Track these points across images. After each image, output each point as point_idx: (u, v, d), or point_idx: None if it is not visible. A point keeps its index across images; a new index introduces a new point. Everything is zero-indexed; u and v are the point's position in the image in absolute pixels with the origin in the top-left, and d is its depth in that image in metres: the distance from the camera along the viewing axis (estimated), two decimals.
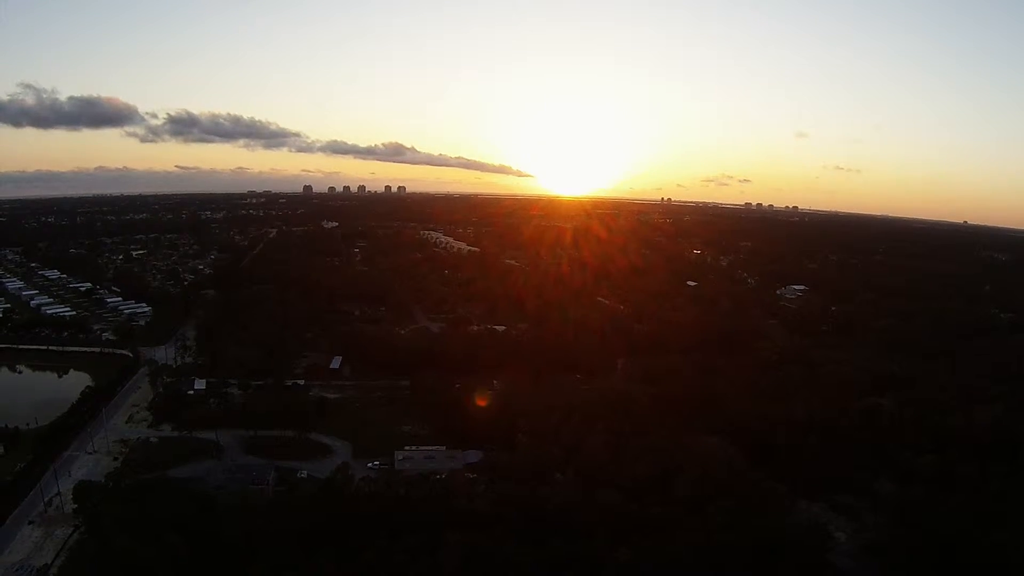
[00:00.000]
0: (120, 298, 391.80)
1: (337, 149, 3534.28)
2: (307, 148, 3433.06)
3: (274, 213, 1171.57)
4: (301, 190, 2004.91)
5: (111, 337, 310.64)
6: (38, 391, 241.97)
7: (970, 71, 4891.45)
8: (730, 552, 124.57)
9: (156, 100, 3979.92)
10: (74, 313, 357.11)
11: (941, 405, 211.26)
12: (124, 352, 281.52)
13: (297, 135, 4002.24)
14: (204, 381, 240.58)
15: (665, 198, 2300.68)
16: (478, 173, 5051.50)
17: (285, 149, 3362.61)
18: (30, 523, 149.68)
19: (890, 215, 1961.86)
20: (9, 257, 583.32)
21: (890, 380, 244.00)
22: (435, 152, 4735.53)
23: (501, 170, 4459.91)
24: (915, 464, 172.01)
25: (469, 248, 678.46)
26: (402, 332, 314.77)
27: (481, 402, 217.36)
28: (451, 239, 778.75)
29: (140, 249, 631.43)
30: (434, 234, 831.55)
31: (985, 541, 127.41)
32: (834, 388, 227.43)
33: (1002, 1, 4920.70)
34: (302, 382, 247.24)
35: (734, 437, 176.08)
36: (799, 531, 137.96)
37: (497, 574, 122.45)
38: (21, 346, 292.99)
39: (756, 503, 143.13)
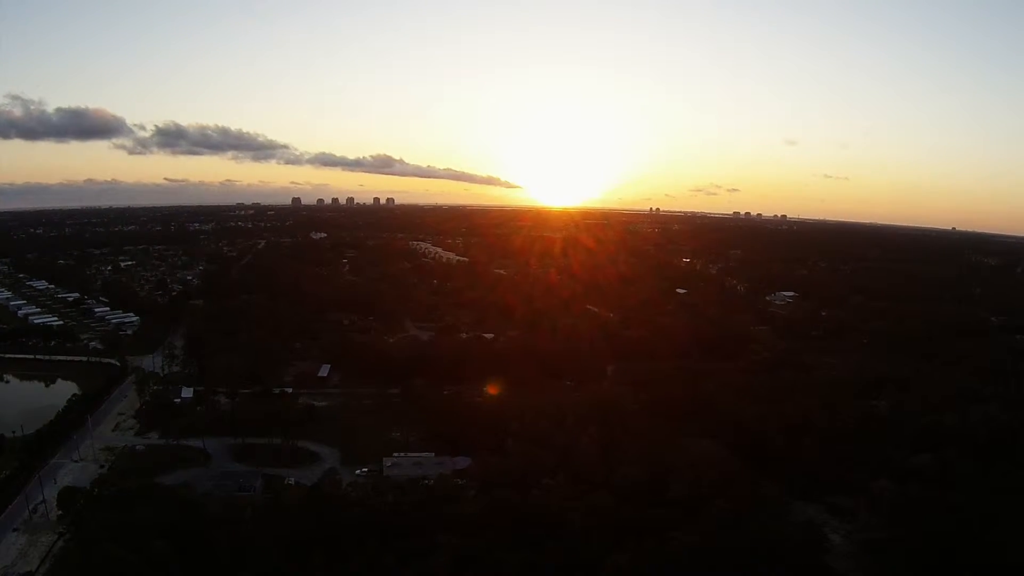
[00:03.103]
0: (108, 308, 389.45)
1: (325, 161, 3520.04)
2: (295, 160, 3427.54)
3: (263, 225, 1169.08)
4: (290, 202, 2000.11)
5: (99, 346, 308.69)
6: (25, 400, 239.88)
7: (959, 77, 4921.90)
8: (725, 554, 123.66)
9: (144, 112, 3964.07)
10: (62, 323, 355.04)
11: (936, 405, 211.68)
12: (111, 361, 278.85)
13: (285, 147, 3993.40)
14: (192, 389, 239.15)
15: (654, 208, 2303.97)
16: (467, 184, 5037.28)
17: (273, 161, 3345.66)
18: (15, 530, 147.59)
19: (879, 222, 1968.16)
20: None
21: (884, 381, 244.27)
22: (423, 164, 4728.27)
23: (489, 181, 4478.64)
24: (911, 464, 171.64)
25: (458, 258, 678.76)
26: (391, 340, 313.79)
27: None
28: (440, 249, 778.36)
29: (129, 260, 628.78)
30: (423, 245, 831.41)
31: (983, 539, 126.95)
32: (828, 390, 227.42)
33: (992, 7, 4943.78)
34: (290, 390, 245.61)
35: (728, 439, 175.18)
36: (795, 533, 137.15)
37: None
38: (8, 355, 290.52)
39: (751, 505, 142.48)
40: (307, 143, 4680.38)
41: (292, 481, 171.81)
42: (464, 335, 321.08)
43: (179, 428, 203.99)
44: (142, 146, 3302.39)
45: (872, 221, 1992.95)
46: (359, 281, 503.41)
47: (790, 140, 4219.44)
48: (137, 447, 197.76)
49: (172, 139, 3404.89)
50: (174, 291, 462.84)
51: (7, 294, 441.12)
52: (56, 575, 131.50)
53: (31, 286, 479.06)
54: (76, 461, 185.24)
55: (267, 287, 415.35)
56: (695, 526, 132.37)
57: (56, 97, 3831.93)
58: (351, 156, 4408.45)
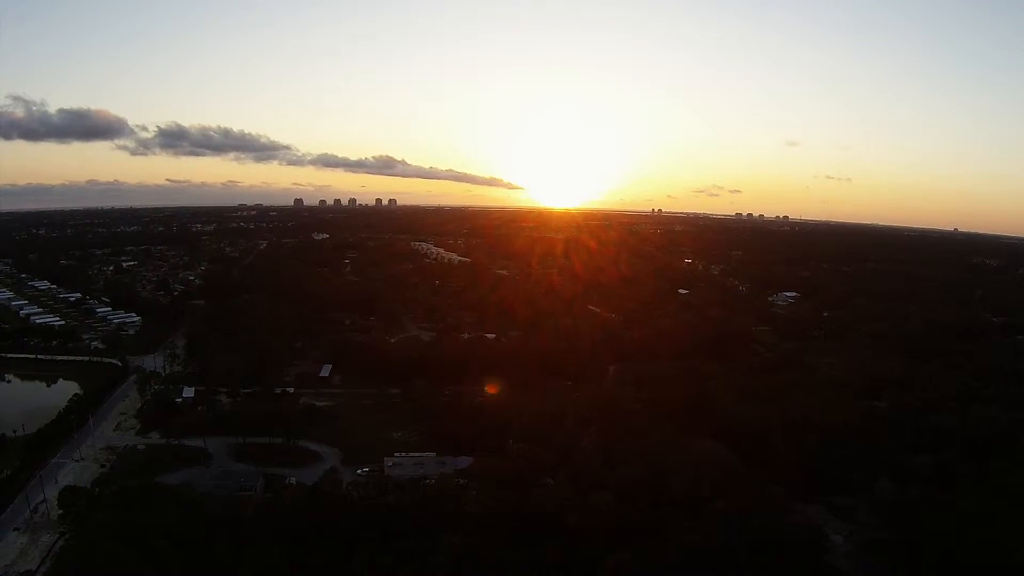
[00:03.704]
0: (110, 308, 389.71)
1: (327, 162, 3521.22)
2: (297, 161, 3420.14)
3: (265, 226, 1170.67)
4: (292, 203, 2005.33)
5: (100, 346, 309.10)
6: (26, 399, 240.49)
7: (960, 78, 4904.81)
8: (726, 554, 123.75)
9: (146, 113, 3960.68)
10: (63, 322, 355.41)
11: (937, 405, 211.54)
12: (113, 361, 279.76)
13: (287, 148, 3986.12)
14: (193, 389, 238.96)
15: (655, 209, 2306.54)
16: (468, 185, 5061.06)
17: (275, 162, 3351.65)
18: (15, 530, 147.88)
19: (881, 223, 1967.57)
20: None
21: (885, 382, 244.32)
22: (425, 165, 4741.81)
23: (491, 182, 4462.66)
24: (912, 464, 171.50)
25: (460, 259, 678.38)
26: (392, 340, 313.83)
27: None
28: (442, 250, 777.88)
29: (130, 260, 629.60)
30: (425, 245, 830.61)
31: (984, 540, 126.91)
32: (829, 390, 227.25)
33: (992, 9, 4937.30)
34: (291, 390, 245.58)
35: (728, 439, 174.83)
36: (796, 532, 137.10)
37: None
38: (10, 355, 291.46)
39: (752, 505, 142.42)
40: (309, 144, 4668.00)
41: (293, 481, 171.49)
42: (465, 335, 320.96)
43: (180, 428, 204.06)
44: (144, 147, 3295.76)
45: (874, 222, 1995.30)
46: (361, 281, 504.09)
47: (792, 141, 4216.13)
48: (138, 447, 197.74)
49: (174, 140, 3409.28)
50: (176, 291, 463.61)
51: (9, 294, 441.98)
52: (56, 574, 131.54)
53: (33, 286, 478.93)
54: (77, 461, 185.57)
55: (269, 287, 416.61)
56: (696, 526, 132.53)
57: (58, 98, 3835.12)
58: (353, 157, 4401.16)
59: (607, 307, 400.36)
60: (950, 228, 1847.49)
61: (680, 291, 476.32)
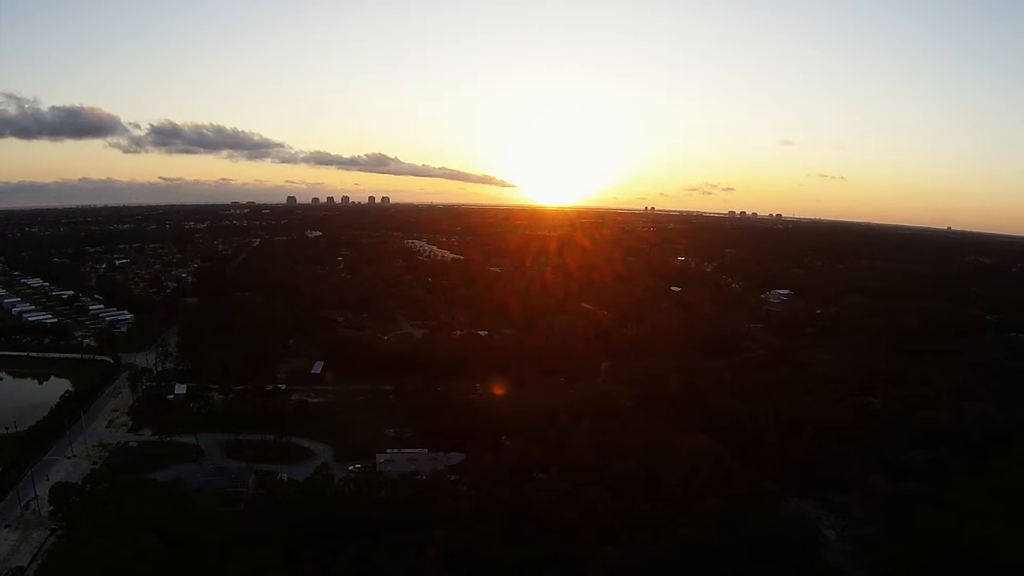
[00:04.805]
0: (102, 305, 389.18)
1: (320, 160, 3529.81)
2: (290, 159, 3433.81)
3: (258, 223, 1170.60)
4: (285, 201, 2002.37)
5: (92, 344, 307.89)
6: (18, 397, 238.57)
7: (954, 77, 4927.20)
8: (720, 550, 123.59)
9: (139, 110, 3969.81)
10: (56, 320, 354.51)
11: (931, 402, 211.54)
12: (105, 358, 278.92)
13: (280, 146, 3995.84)
14: (185, 386, 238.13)
15: (649, 207, 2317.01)
16: (462, 183, 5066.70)
17: (268, 160, 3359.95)
18: (7, 526, 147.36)
19: (874, 222, 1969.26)
20: None
21: (879, 378, 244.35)
22: (419, 163, 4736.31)
23: (485, 180, 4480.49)
24: (906, 460, 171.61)
25: (453, 256, 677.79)
26: (385, 338, 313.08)
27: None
28: (435, 248, 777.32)
29: (123, 258, 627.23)
30: (418, 243, 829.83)
31: (978, 536, 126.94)
32: (823, 387, 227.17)
33: (987, 9, 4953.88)
34: (284, 386, 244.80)
35: (722, 435, 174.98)
36: (789, 528, 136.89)
37: (481, 573, 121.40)
38: (2, 352, 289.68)
39: (746, 501, 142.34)
40: (302, 142, 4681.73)
41: (285, 477, 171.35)
42: (459, 333, 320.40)
43: (172, 424, 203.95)
44: (137, 145, 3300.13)
45: (867, 221, 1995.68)
46: (354, 279, 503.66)
47: (786, 140, 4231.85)
48: (130, 443, 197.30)
49: (167, 138, 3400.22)
50: (168, 289, 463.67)
51: (1, 292, 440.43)
52: (48, 570, 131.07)
53: (25, 284, 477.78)
54: (69, 458, 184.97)
55: (261, 285, 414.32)
56: (690, 521, 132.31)
57: (51, 96, 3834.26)
58: (346, 155, 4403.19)
59: (600, 305, 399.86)
60: (943, 226, 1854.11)
61: (673, 289, 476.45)
